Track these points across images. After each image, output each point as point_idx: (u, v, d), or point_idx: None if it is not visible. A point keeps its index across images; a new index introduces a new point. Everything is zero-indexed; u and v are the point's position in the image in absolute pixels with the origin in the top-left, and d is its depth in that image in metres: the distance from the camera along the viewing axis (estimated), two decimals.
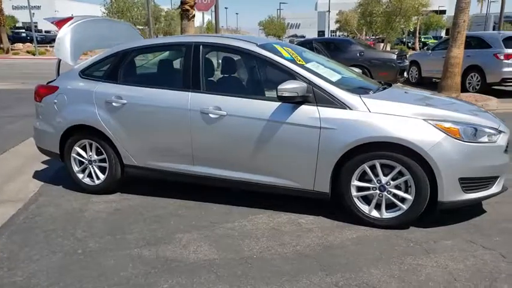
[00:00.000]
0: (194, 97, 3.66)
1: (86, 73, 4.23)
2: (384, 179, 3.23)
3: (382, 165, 3.22)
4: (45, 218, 3.71)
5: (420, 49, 35.64)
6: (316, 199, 3.54)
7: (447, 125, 3.10)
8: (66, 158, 4.29)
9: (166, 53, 4.28)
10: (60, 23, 4.35)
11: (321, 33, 60.06)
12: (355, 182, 3.31)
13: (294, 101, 3.30)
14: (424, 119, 3.12)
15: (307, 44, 12.74)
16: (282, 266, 2.81)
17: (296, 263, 2.84)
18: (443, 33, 54.27)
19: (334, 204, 3.57)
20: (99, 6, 44.01)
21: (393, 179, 3.22)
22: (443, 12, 47.62)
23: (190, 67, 3.74)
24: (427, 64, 13.23)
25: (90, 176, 4.27)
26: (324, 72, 3.61)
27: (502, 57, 10.29)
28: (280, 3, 59.24)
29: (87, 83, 4.16)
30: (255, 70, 3.96)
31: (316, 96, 3.33)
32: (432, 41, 43.92)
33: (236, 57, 3.94)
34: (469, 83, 11.15)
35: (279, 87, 3.23)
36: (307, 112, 3.32)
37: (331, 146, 3.25)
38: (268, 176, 3.54)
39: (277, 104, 3.42)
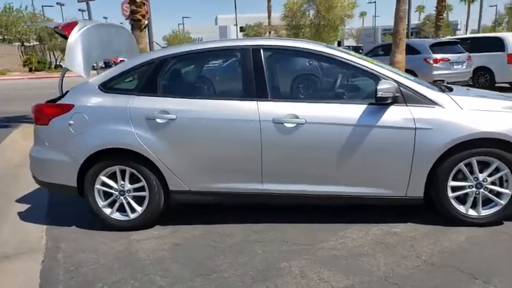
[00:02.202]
0: (263, 106, 3.24)
1: (110, 86, 3.51)
2: (481, 176, 3.18)
3: (477, 162, 3.17)
4: (93, 268, 2.95)
5: None
6: (396, 205, 3.39)
7: None
8: (88, 191, 3.50)
9: (216, 59, 3.77)
10: (66, 27, 3.58)
11: None
12: (451, 183, 3.20)
13: (387, 102, 3.10)
14: None
15: None
16: (429, 280, 2.57)
17: (440, 275, 2.62)
18: (335, 44, 58.80)
19: (412, 209, 3.43)
20: None
21: (489, 175, 3.18)
22: None
23: (252, 73, 3.31)
24: None
25: (121, 209, 3.53)
26: (397, 72, 3.47)
27: (431, 62, 11.33)
28: (183, 17, 58.79)
29: (116, 97, 3.45)
30: (327, 72, 3.66)
31: (405, 96, 3.17)
32: None
33: (299, 60, 3.61)
34: None
35: (379, 87, 3.01)
36: (398, 113, 3.14)
37: (428, 147, 3.11)
38: (356, 186, 3.27)
39: (363, 106, 3.19)
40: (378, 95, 3.02)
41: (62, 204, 4.30)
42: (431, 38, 24.60)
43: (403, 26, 10.14)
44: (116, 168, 3.45)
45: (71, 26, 3.59)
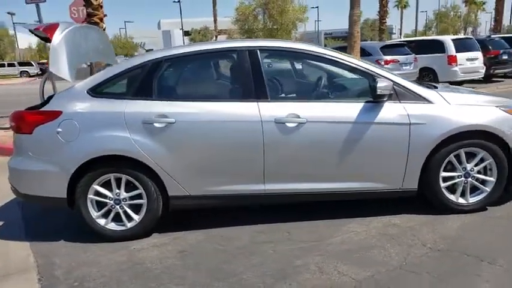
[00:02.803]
0: (264, 107, 3.25)
1: (100, 91, 3.36)
2: (468, 166, 3.41)
3: (464, 153, 3.40)
4: (101, 282, 2.80)
5: None
6: (390, 198, 3.55)
7: None
8: (80, 202, 3.31)
9: (212, 61, 3.70)
10: (48, 29, 3.37)
11: None
12: (442, 173, 3.40)
13: (384, 99, 3.25)
14: (496, 106, 3.42)
15: None
16: (441, 265, 2.71)
17: (449, 260, 2.78)
18: None
19: (402, 200, 3.61)
20: None
21: (475, 165, 3.42)
22: None
23: (251, 74, 3.31)
24: None
25: (117, 219, 3.38)
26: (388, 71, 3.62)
27: (382, 63, 11.90)
28: (125, 22, 57.17)
29: (108, 102, 3.30)
30: (322, 72, 3.71)
31: (398, 93, 3.32)
32: None
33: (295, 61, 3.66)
34: None
35: (378, 85, 3.14)
36: (393, 110, 3.29)
37: (423, 141, 3.28)
38: (356, 181, 3.38)
39: (360, 104, 3.30)
40: (378, 93, 3.15)
41: (38, 218, 4.05)
42: (369, 41, 25.92)
43: (357, 29, 10.54)
44: (111, 176, 3.30)
45: (52, 28, 3.38)
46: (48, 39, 3.39)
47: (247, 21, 21.65)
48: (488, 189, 3.45)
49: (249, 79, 3.31)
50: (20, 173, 3.39)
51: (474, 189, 3.50)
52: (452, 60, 13.09)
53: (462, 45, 13.49)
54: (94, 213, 3.35)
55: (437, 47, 13.27)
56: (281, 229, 3.41)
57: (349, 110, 3.29)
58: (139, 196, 3.34)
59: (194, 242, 3.30)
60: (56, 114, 3.27)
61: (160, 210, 3.37)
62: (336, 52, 3.48)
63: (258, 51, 3.37)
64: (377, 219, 3.47)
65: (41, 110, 3.34)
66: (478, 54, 13.55)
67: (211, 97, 3.40)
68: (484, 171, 3.46)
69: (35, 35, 3.60)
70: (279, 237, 3.28)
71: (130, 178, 3.29)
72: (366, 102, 3.30)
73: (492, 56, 14.56)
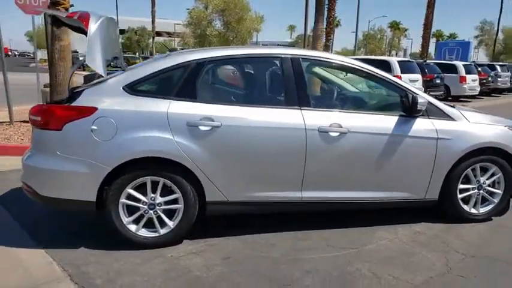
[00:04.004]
0: (308, 114, 3.30)
1: (138, 88, 3.17)
2: (482, 179, 3.73)
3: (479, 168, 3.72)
4: None
5: None
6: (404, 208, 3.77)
7: None
8: (111, 206, 3.09)
9: (255, 66, 3.63)
10: (83, 18, 3.12)
11: None
12: (460, 186, 3.69)
13: (419, 115, 3.46)
14: (505, 126, 3.79)
15: None
16: (481, 270, 2.94)
17: (485, 265, 3.02)
18: None
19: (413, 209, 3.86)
20: None
21: (488, 178, 3.76)
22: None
23: (293, 82, 3.35)
24: None
25: (149, 225, 3.20)
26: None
27: None
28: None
29: (149, 101, 3.13)
30: (360, 84, 3.82)
31: (427, 110, 3.55)
32: None
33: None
34: None
35: (420, 100, 3.33)
36: (423, 124, 3.51)
37: (447, 155, 3.54)
38: (389, 191, 3.53)
39: (395, 117, 3.48)
40: (418, 108, 3.35)
41: (39, 223, 3.68)
42: None
43: (321, 43, 11.02)
44: (148, 179, 3.12)
45: (86, 17, 3.14)
46: (81, 29, 3.15)
47: (200, 25, 21.25)
48: (496, 200, 3.81)
49: (292, 86, 3.34)
50: (43, 173, 3.07)
51: (484, 201, 3.83)
52: None
53: (406, 67, 14.60)
54: (125, 219, 3.14)
55: (385, 66, 14.18)
56: (316, 236, 3.46)
57: (386, 122, 3.45)
58: (175, 201, 3.19)
59: (233, 248, 3.22)
60: (90, 110, 3.03)
61: (195, 216, 3.25)
62: (372, 67, 3.63)
63: (301, 59, 3.42)
64: (401, 226, 3.66)
65: (73, 105, 3.07)
66: (419, 77, 14.77)
67: (255, 102, 3.36)
68: (493, 184, 3.81)
69: (64, 23, 3.29)
70: (319, 244, 3.32)
71: (168, 182, 3.14)
72: (400, 116, 3.49)
73: (428, 79, 15.93)
